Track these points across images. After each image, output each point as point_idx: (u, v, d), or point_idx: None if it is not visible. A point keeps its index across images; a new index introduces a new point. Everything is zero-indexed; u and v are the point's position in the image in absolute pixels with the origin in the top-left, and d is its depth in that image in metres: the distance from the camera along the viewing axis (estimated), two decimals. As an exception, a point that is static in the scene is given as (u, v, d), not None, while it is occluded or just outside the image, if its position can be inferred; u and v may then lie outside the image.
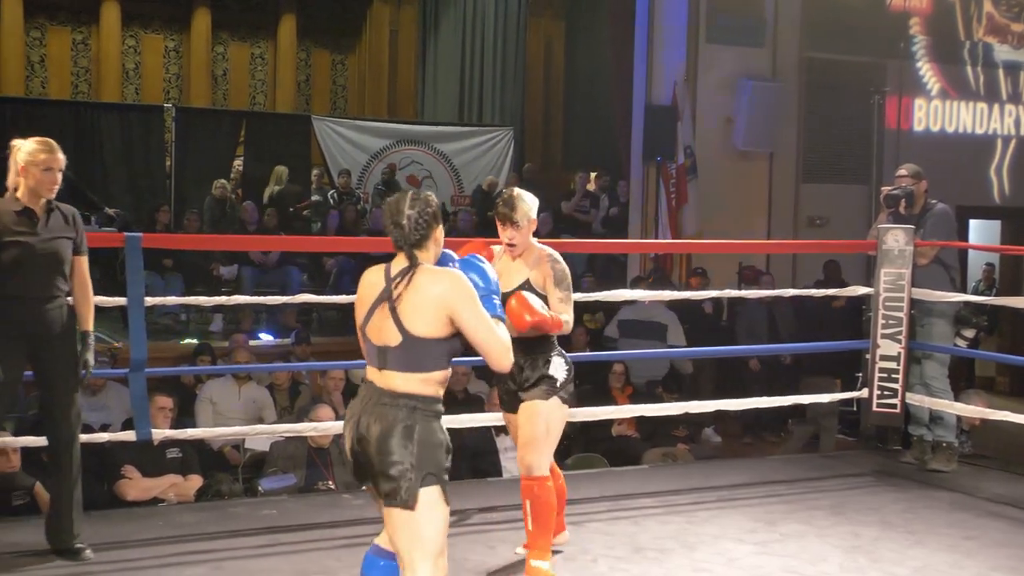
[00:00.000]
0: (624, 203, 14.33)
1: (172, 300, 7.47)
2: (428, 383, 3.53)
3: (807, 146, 13.97)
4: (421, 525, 3.46)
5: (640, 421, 8.91)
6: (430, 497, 3.46)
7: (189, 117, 15.41)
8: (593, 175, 16.00)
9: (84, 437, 5.94)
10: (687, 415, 7.84)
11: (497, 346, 3.56)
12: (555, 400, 4.81)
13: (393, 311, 3.53)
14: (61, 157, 4.83)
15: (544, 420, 4.77)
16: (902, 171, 7.36)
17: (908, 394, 7.02)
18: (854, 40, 13.64)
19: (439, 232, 3.65)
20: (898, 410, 7.00)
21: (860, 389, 7.19)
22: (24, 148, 4.80)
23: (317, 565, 5.01)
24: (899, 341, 6.92)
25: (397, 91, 19.97)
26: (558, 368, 4.85)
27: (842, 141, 13.91)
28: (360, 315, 3.65)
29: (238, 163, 15.70)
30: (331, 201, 15.09)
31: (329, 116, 17.51)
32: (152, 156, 14.80)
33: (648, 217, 13.50)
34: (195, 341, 10.17)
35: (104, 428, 7.24)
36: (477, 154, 16.76)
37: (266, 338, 11.21)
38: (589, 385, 9.69)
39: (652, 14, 13.54)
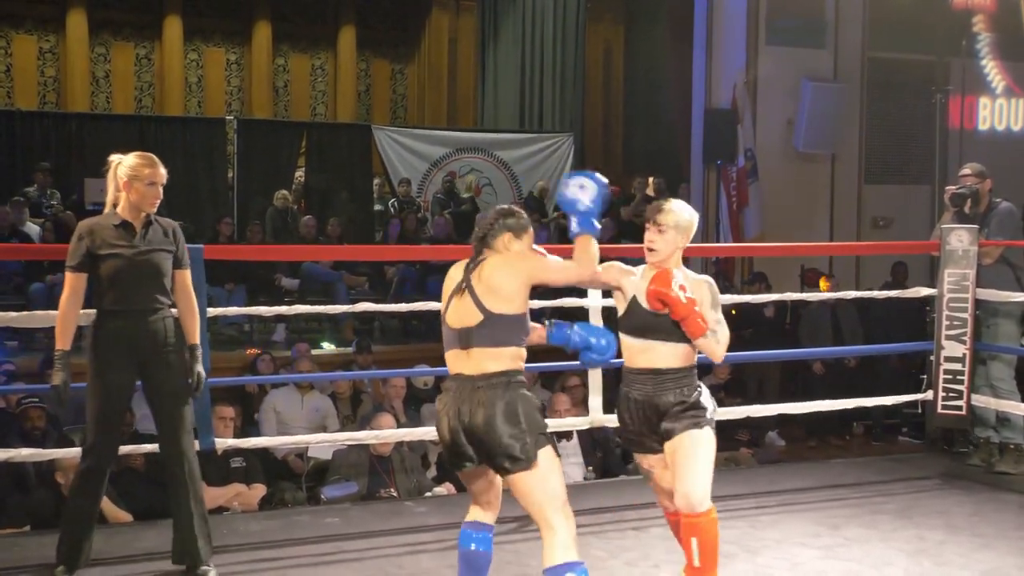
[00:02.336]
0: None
1: (234, 311, 7.50)
2: (514, 358, 3.92)
3: (869, 147, 13.86)
4: (547, 480, 3.85)
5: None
6: (546, 454, 3.87)
7: (251, 129, 15.52)
8: (651, 180, 15.95)
9: (148, 447, 6.06)
10: (749, 419, 7.79)
11: (578, 271, 4.02)
12: (708, 431, 4.28)
13: (472, 294, 3.93)
14: (163, 171, 4.83)
15: (704, 449, 4.24)
16: (966, 170, 7.27)
17: (974, 396, 6.91)
18: (916, 39, 13.49)
19: (510, 239, 4.03)
20: (964, 412, 6.90)
21: (925, 391, 7.10)
22: (126, 163, 4.81)
23: (380, 573, 5.03)
24: (964, 342, 6.82)
25: (456, 99, 20.05)
26: (707, 399, 4.33)
27: (905, 141, 13.76)
28: (443, 306, 4.04)
29: (299, 174, 15.83)
30: (392, 210, 15.17)
31: (389, 125, 17.60)
32: (215, 168, 14.95)
33: (709, 220, 13.46)
34: (258, 351, 10.26)
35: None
36: (537, 160, 16.77)
37: (328, 347, 11.30)
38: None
39: (711, 17, 13.51)
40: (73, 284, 4.76)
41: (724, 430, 8.95)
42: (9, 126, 14.16)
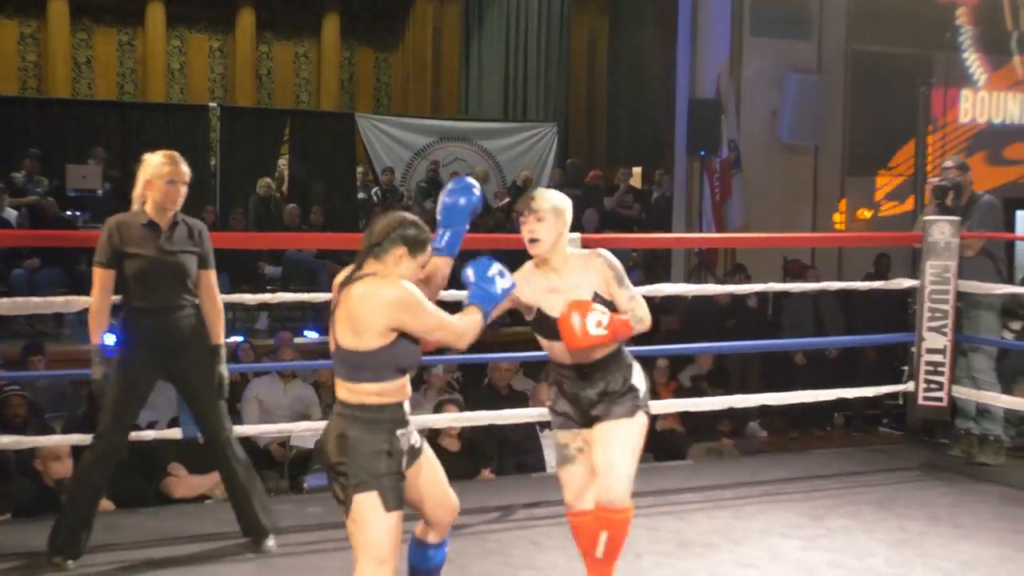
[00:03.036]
0: (668, 197, 14.30)
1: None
2: (363, 394, 3.52)
3: (852, 139, 13.87)
4: (360, 529, 3.49)
5: (684, 416, 8.89)
6: (366, 503, 3.47)
7: (234, 116, 15.51)
8: (637, 170, 15.97)
9: (132, 435, 6.04)
10: (732, 410, 7.81)
11: (447, 337, 3.58)
12: (640, 416, 4.12)
13: (332, 319, 3.57)
14: (185, 170, 4.89)
15: (633, 441, 4.09)
16: (948, 163, 7.33)
17: (955, 387, 6.95)
18: (900, 32, 13.51)
19: (402, 256, 3.56)
20: (945, 403, 6.94)
21: (906, 382, 7.13)
22: (150, 162, 4.87)
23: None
24: (945, 334, 6.85)
25: (441, 88, 20.02)
26: (639, 377, 4.17)
27: (888, 133, 13.79)
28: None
29: (283, 162, 15.80)
30: (375, 198, 15.14)
31: (373, 114, 17.59)
32: (197, 155, 14.81)
33: (692, 211, 13.47)
34: (240, 339, 10.22)
35: (151, 426, 7.31)
36: (521, 150, 16.77)
37: (311, 335, 11.27)
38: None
39: (696, 8, 13.52)
40: (102, 279, 4.84)
41: (706, 420, 9.03)
42: (-10, 111, 14.06)
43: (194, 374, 5.00)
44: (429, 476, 3.78)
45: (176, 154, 4.92)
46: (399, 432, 3.56)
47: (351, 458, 3.48)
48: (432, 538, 3.88)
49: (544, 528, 5.47)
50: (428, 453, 3.82)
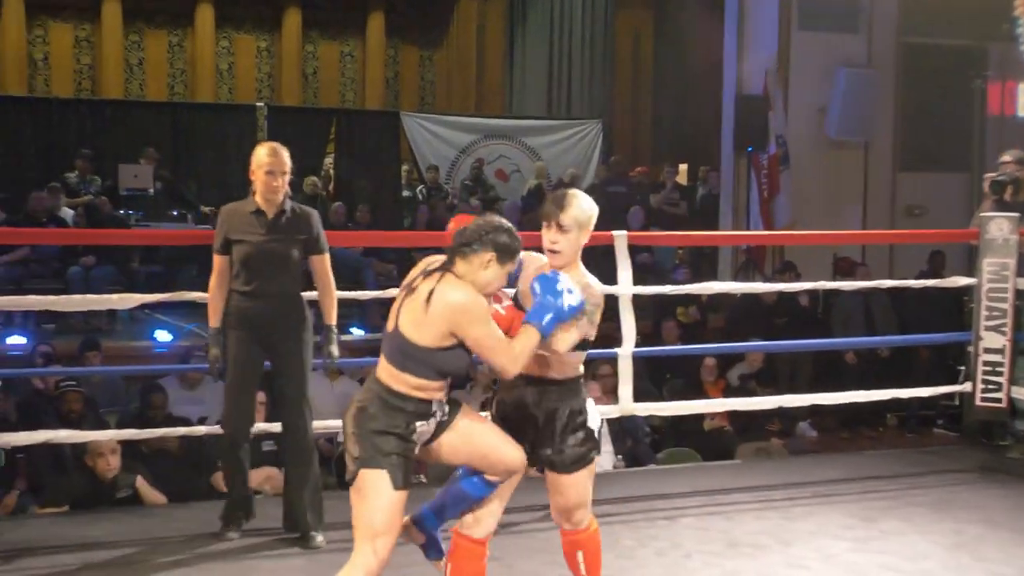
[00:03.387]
0: (714, 194, 14.18)
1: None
2: (399, 381, 3.56)
3: (904, 134, 13.68)
4: (363, 502, 3.55)
5: (733, 415, 8.79)
6: (372, 478, 3.53)
7: (281, 115, 15.59)
8: (683, 167, 15.86)
9: (182, 430, 6.13)
10: (781, 409, 7.72)
11: (499, 359, 3.55)
12: (593, 462, 3.96)
13: (403, 299, 3.59)
14: (283, 159, 5.07)
15: (585, 486, 3.95)
16: (1006, 157, 7.19)
17: (1014, 388, 6.81)
18: (953, 23, 13.26)
19: (489, 259, 3.56)
20: (1004, 404, 6.80)
21: (963, 383, 7.00)
22: (256, 153, 5.11)
23: (410, 557, 4.97)
24: (1004, 333, 6.71)
25: (485, 86, 20.01)
26: (593, 416, 3.95)
27: (941, 128, 13.57)
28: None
29: (329, 160, 15.84)
30: (420, 196, 15.14)
31: (418, 112, 17.62)
32: (245, 154, 14.76)
33: (739, 209, 13.35)
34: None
35: (201, 421, 7.35)
36: (565, 147, 16.72)
37: (357, 332, 11.27)
38: (681, 379, 9.60)
39: (742, 2, 13.38)
40: (218, 266, 5.10)
41: (755, 420, 8.93)
42: (47, 113, 14.38)
43: (289, 358, 5.13)
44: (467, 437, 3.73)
45: (277, 145, 5.13)
46: (418, 424, 3.60)
47: (364, 432, 3.54)
48: (490, 476, 3.78)
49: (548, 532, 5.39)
50: (464, 424, 3.74)
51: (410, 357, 3.53)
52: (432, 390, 3.58)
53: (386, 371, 3.58)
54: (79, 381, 7.85)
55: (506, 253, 3.59)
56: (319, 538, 5.14)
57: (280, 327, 5.09)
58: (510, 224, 3.66)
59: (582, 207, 3.85)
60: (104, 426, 7.32)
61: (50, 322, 10.86)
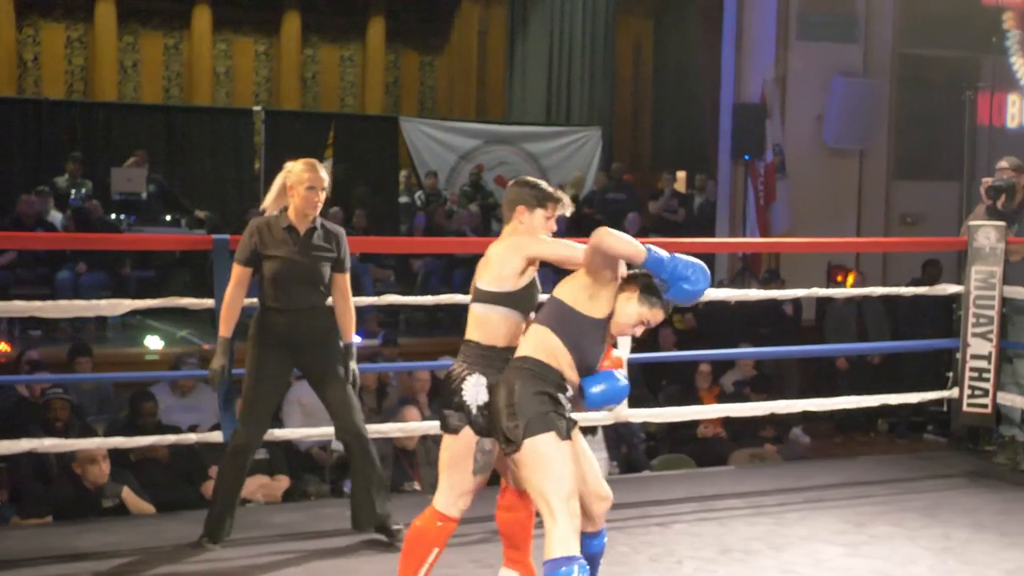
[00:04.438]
0: (712, 202, 14.24)
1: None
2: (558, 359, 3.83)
3: (899, 143, 13.75)
4: (539, 471, 3.72)
5: (727, 421, 8.85)
6: (540, 443, 3.71)
7: (279, 120, 15.53)
8: (681, 175, 15.91)
9: (172, 438, 6.10)
10: (774, 415, 7.77)
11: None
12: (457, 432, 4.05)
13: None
14: (324, 176, 5.14)
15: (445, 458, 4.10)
16: (1003, 163, 7.24)
17: (1000, 394, 6.87)
18: (947, 35, 13.35)
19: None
20: (989, 410, 6.86)
21: (950, 389, 7.06)
22: (292, 169, 5.13)
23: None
24: (990, 340, 6.78)
25: (485, 91, 20.02)
26: (472, 391, 4.00)
27: (934, 138, 13.64)
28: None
29: (327, 165, 15.85)
30: (419, 202, 15.17)
31: (417, 117, 17.63)
32: (242, 159, 14.98)
33: (736, 216, 13.40)
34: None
35: (193, 429, 7.36)
36: (566, 154, 16.75)
37: (354, 338, 11.29)
38: (676, 385, 9.65)
39: (741, 11, 13.45)
40: (239, 276, 5.13)
41: (748, 426, 8.99)
42: (37, 115, 14.22)
43: (327, 371, 5.21)
44: (583, 464, 3.92)
45: (315, 161, 5.20)
46: (560, 394, 3.80)
47: (519, 400, 3.71)
48: (589, 527, 3.98)
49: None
50: (581, 442, 3.98)
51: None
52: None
53: (544, 350, 3.81)
54: (66, 388, 7.74)
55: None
56: (396, 526, 5.19)
57: (313, 342, 5.15)
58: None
59: None
60: (91, 434, 7.26)
61: (36, 328, 10.67)
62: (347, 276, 5.26)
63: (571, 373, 3.83)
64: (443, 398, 4.05)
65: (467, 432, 3.95)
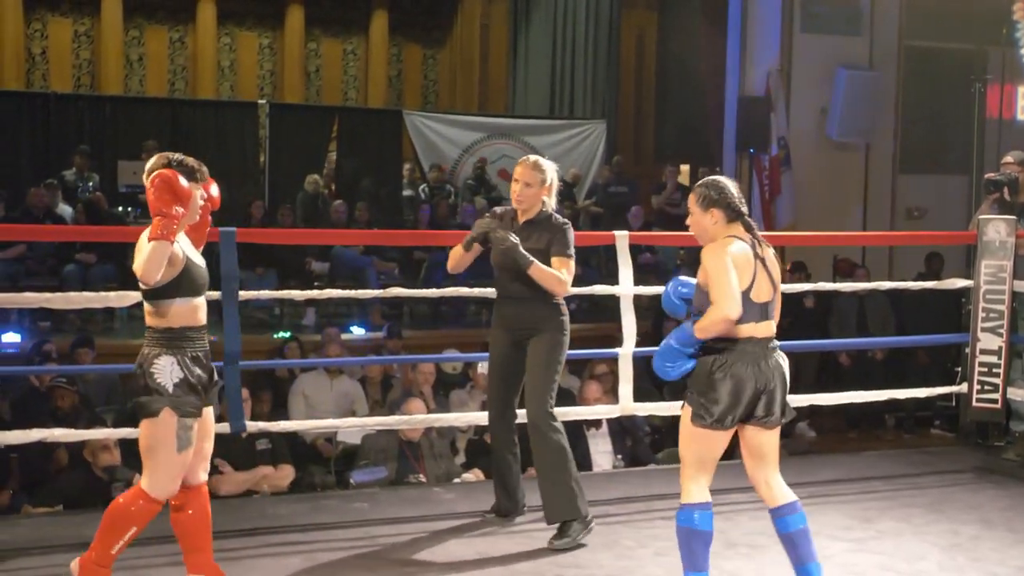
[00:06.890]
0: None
1: (265, 294, 7.46)
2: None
3: (905, 136, 13.71)
4: (687, 440, 4.55)
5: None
6: (685, 417, 4.45)
7: (283, 113, 15.57)
8: (685, 168, 15.86)
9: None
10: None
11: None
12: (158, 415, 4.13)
13: (767, 269, 4.24)
14: (525, 170, 5.36)
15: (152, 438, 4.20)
16: (1008, 158, 7.21)
17: (1009, 389, 6.83)
18: (954, 27, 13.30)
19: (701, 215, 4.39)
20: (999, 405, 6.82)
21: (959, 384, 7.02)
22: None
23: (407, 558, 5.02)
24: (1000, 335, 6.73)
25: (488, 85, 19.98)
26: (163, 371, 4.14)
27: (941, 131, 13.60)
28: (745, 281, 4.16)
29: (331, 158, 15.84)
30: (423, 195, 15.15)
31: (420, 111, 17.60)
32: (246, 152, 15.02)
33: (740, 209, 13.36)
34: (287, 335, 10.27)
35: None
36: (569, 147, 16.70)
37: (358, 332, 11.29)
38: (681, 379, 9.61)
39: (745, 3, 13.43)
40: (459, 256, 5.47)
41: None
42: (44, 108, 14.30)
43: (534, 354, 5.31)
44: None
45: (528, 157, 5.51)
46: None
47: (692, 379, 4.35)
48: (772, 503, 4.46)
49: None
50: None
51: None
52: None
53: (772, 326, 4.31)
54: (72, 378, 7.82)
55: (705, 201, 4.42)
56: (590, 519, 5.23)
57: (525, 328, 5.32)
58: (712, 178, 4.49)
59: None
60: (100, 424, 7.29)
61: (46, 319, 10.81)
62: (561, 260, 5.28)
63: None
64: (131, 388, 4.17)
65: (167, 412, 4.05)
